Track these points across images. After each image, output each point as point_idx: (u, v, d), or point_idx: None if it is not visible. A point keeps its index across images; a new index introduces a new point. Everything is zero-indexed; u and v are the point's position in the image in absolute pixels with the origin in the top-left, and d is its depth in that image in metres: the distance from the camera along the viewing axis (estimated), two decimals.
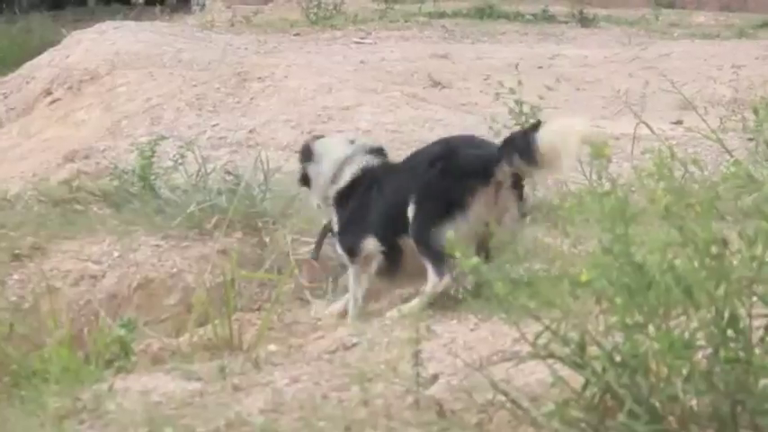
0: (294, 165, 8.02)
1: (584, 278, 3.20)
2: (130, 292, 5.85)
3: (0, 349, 4.96)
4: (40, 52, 16.55)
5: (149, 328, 5.28)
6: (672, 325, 3.10)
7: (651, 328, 3.11)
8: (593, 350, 3.20)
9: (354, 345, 4.44)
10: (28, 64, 15.21)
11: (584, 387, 3.20)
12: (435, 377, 3.88)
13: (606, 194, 3.20)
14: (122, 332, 4.68)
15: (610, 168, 3.39)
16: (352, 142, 6.05)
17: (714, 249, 3.09)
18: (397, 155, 8.37)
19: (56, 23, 27.51)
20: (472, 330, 4.47)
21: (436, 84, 12.22)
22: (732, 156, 6.53)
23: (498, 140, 5.75)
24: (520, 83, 6.99)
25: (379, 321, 4.80)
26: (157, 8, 24.85)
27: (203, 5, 22.79)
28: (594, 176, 5.93)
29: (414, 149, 6.24)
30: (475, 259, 3.33)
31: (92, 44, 14.53)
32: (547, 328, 3.22)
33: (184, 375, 4.06)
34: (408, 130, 9.12)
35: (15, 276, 6.17)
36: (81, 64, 13.63)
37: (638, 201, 3.32)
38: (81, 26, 20.42)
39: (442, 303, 5.06)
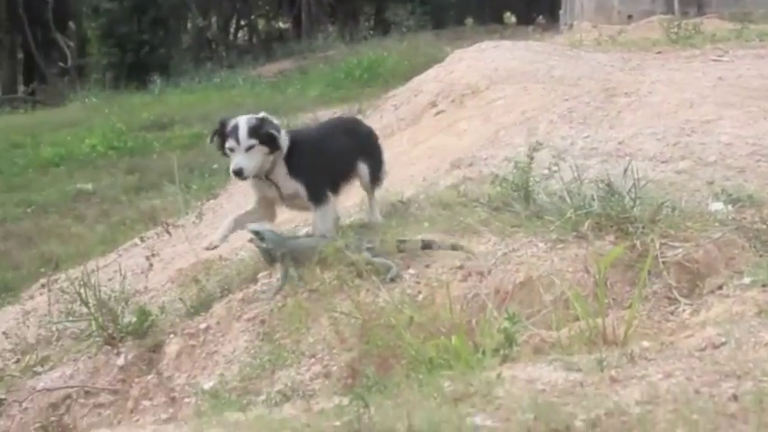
0: (661, 174, 7.99)
1: None
2: (514, 287, 5.92)
3: (401, 336, 5.14)
4: (424, 67, 16.98)
5: (530, 321, 5.33)
6: None
7: None
8: None
9: (723, 344, 4.36)
10: (416, 78, 15.63)
11: None
12: None
13: None
14: (507, 324, 4.75)
15: None
16: None
17: None
18: (757, 167, 8.21)
19: (438, 41, 28.23)
20: None
21: None
22: None
23: None
24: None
25: (745, 323, 4.69)
26: (530, 28, 25.06)
27: (570, 25, 22.83)
28: None
29: None
30: None
31: (473, 61, 14.78)
32: None
33: (565, 366, 4.09)
34: (767, 144, 8.84)
35: (410, 271, 6.37)
36: (463, 79, 13.88)
37: None
38: (459, 44, 20.81)
39: None
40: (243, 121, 7.07)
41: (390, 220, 7.41)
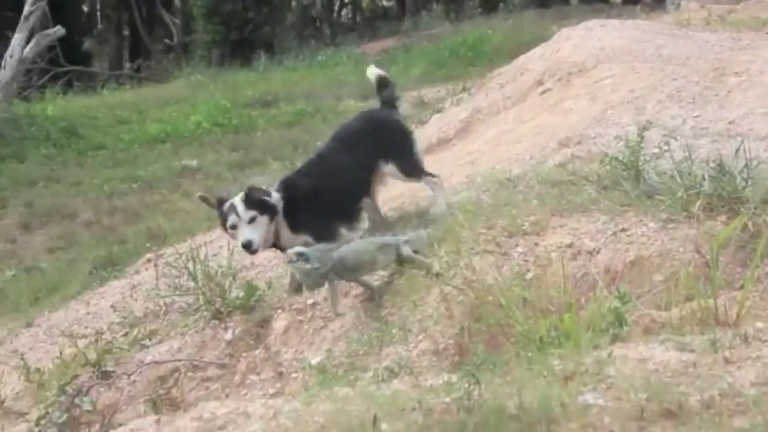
0: None
1: None
2: (623, 267, 5.89)
3: (511, 314, 5.13)
4: (529, 46, 16.87)
5: (640, 301, 5.29)
6: None
7: None
8: None
9: None
10: (522, 57, 15.55)
11: None
12: None
13: None
14: (617, 304, 4.72)
15: None
16: None
17: None
18: None
19: (542, 20, 28.07)
20: None
21: None
22: None
23: None
24: None
25: None
26: (637, 7, 24.79)
27: (678, 5, 22.48)
28: None
29: None
30: None
31: (579, 40, 14.64)
32: None
33: (677, 346, 4.06)
34: None
35: (519, 249, 6.35)
36: (570, 57, 13.77)
37: None
38: (564, 23, 20.67)
39: None
40: (238, 198, 7.23)
41: (498, 199, 7.39)
